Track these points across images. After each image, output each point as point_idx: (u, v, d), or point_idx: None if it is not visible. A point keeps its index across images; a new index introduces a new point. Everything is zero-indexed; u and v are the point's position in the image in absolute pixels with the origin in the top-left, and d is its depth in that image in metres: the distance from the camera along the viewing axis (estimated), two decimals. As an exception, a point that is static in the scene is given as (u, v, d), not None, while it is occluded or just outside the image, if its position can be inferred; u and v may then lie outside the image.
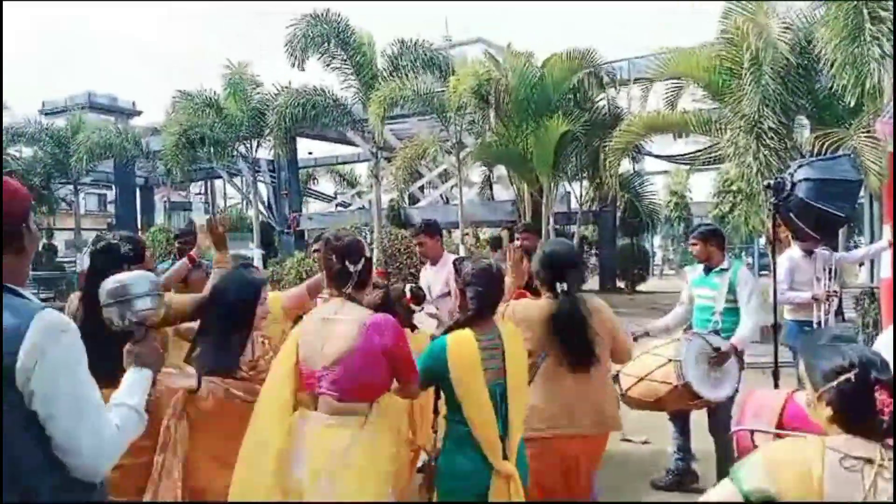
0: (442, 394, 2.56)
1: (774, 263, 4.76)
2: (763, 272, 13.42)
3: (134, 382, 1.77)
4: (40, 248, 22.51)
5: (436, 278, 4.35)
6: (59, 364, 1.41)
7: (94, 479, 1.50)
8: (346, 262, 2.39)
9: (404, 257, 12.67)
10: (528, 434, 2.69)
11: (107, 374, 2.56)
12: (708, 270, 4.32)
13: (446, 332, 2.59)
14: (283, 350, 2.42)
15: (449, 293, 3.64)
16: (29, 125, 19.84)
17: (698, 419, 4.14)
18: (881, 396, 1.56)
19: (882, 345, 2.82)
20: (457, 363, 2.42)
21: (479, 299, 2.55)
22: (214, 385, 2.45)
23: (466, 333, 2.49)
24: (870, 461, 1.52)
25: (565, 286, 2.87)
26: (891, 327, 2.83)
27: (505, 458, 2.42)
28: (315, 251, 4.67)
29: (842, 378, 1.60)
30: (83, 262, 18.66)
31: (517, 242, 4.90)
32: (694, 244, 4.38)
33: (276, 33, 15.48)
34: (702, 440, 4.22)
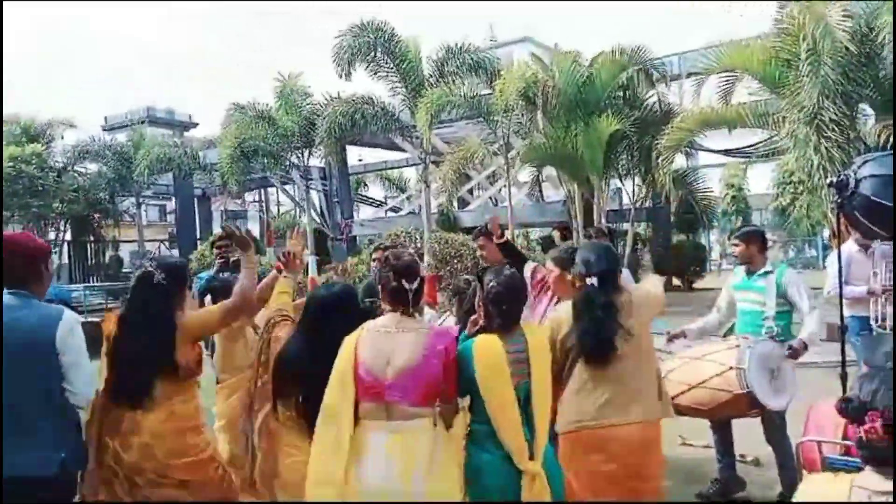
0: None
1: (840, 260, 4.60)
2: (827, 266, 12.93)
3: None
4: (107, 261, 23.51)
5: None
6: (77, 339, 2.53)
7: (82, 405, 2.59)
8: (403, 282, 2.51)
9: (455, 261, 12.69)
10: (568, 427, 2.81)
11: (130, 394, 2.71)
12: (750, 273, 4.20)
13: (472, 336, 2.66)
14: (342, 356, 2.49)
15: None
16: (94, 143, 20.74)
17: (751, 423, 4.03)
18: (869, 423, 1.54)
19: None
20: (483, 368, 2.49)
21: (504, 313, 2.62)
22: None
23: (493, 338, 2.56)
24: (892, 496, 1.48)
25: (595, 280, 2.89)
26: None
27: (531, 458, 2.49)
28: (374, 259, 4.68)
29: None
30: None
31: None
32: (736, 245, 4.27)
33: (323, 43, 15.74)
34: (759, 445, 4.12)
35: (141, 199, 23.12)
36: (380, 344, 2.45)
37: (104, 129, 27.63)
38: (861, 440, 1.58)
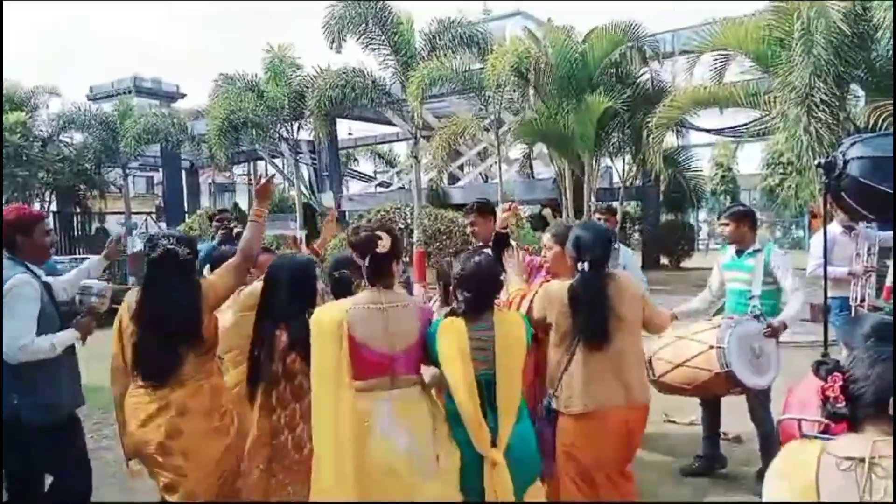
0: None
1: (826, 243, 4.63)
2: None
3: (66, 335, 2.88)
4: (93, 232, 23.31)
5: None
6: (11, 299, 2.78)
7: (12, 361, 2.75)
8: (355, 256, 2.58)
9: (444, 237, 12.67)
10: (574, 409, 2.85)
11: (163, 370, 2.71)
12: (739, 253, 4.22)
13: (445, 316, 2.70)
14: (327, 336, 2.44)
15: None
16: (79, 112, 20.40)
17: (736, 400, 4.09)
18: (831, 382, 1.61)
19: None
20: (444, 350, 2.53)
21: (471, 300, 2.63)
22: None
23: (457, 321, 2.60)
24: (862, 460, 1.52)
25: (586, 266, 2.90)
26: None
27: (494, 445, 2.49)
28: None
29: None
30: (134, 243, 19.26)
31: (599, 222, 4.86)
32: (725, 224, 4.26)
33: (313, 14, 15.50)
34: (742, 422, 4.18)
35: (128, 171, 22.82)
36: (376, 320, 2.47)
37: (90, 99, 27.18)
38: (822, 399, 1.65)
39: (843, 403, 1.60)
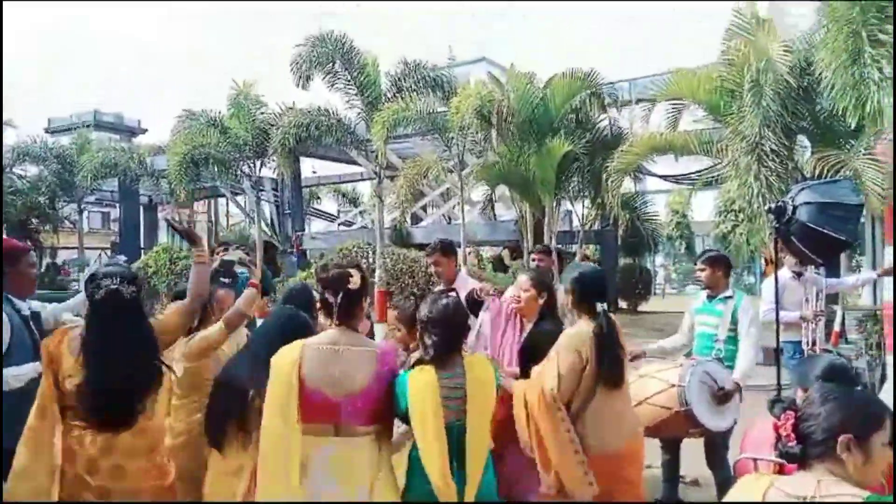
0: None
1: (777, 286, 4.76)
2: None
3: (27, 367, 2.94)
4: (43, 268, 22.58)
5: None
6: None
7: None
8: (327, 294, 2.48)
9: (407, 277, 12.65)
10: (590, 452, 2.84)
11: (119, 415, 2.63)
12: (711, 298, 4.31)
13: (412, 367, 2.60)
14: (281, 375, 2.37)
15: None
16: (34, 145, 19.96)
17: (696, 444, 4.12)
18: (783, 420, 1.65)
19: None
20: (415, 399, 2.43)
21: (439, 343, 2.56)
22: None
23: (428, 370, 2.50)
24: (804, 499, 1.55)
25: (605, 306, 3.01)
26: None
27: (461, 497, 2.43)
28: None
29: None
30: (83, 281, 18.69)
31: (533, 263, 4.91)
32: (702, 269, 4.35)
33: (280, 52, 15.60)
34: (700, 466, 4.20)
35: (83, 205, 22.30)
36: (327, 362, 2.38)
37: (47, 132, 26.65)
38: (776, 437, 1.68)
39: (795, 442, 1.63)
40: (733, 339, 4.13)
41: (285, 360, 2.39)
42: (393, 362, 2.50)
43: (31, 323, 3.10)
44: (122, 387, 2.61)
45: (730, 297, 4.22)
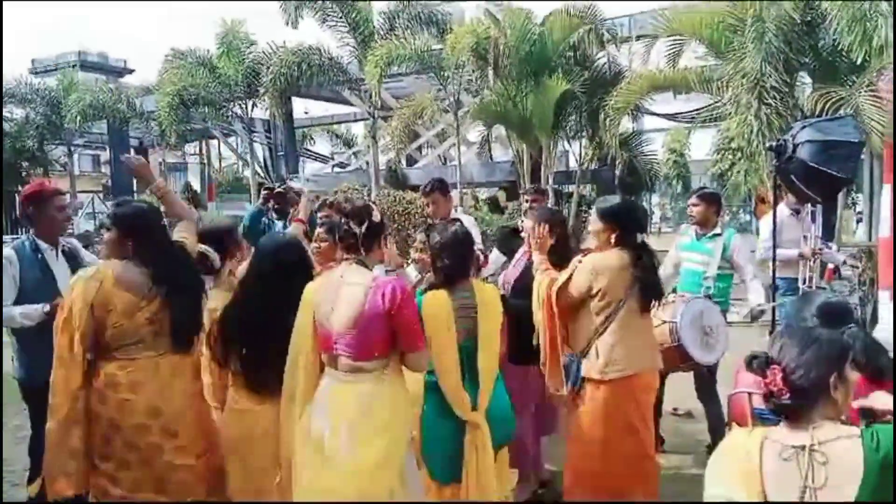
0: None
1: (775, 223, 4.76)
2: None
3: (31, 308, 3.12)
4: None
5: None
6: None
7: None
8: (351, 224, 2.48)
9: (402, 219, 12.61)
10: (612, 376, 2.99)
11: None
12: (700, 235, 4.32)
13: (424, 291, 2.76)
14: (301, 311, 2.51)
15: None
16: (20, 86, 19.51)
17: (687, 378, 4.21)
18: (771, 376, 1.62)
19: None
20: (430, 320, 2.57)
21: (450, 267, 2.73)
22: None
23: (441, 293, 2.67)
24: (803, 448, 1.56)
25: (644, 237, 3.15)
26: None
27: (474, 409, 2.63)
28: (320, 218, 4.58)
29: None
30: (79, 224, 18.60)
31: (525, 205, 4.89)
32: (695, 205, 4.35)
33: (269, -11, 15.10)
34: (693, 399, 4.31)
35: (72, 148, 22.00)
36: (329, 293, 2.45)
37: (32, 73, 26.03)
38: (766, 394, 1.65)
39: (788, 395, 1.61)
40: (723, 277, 4.17)
41: (304, 298, 2.51)
42: (392, 298, 2.39)
43: (50, 265, 3.24)
44: (196, 309, 2.80)
45: (718, 235, 4.24)
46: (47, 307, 3.05)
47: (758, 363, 1.67)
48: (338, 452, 2.32)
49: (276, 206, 5.22)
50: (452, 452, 2.60)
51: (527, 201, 4.87)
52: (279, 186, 5.20)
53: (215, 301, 2.89)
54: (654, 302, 3.15)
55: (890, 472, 1.50)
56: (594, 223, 3.19)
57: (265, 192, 5.13)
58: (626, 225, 3.10)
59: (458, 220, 3.58)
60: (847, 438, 1.56)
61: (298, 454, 2.40)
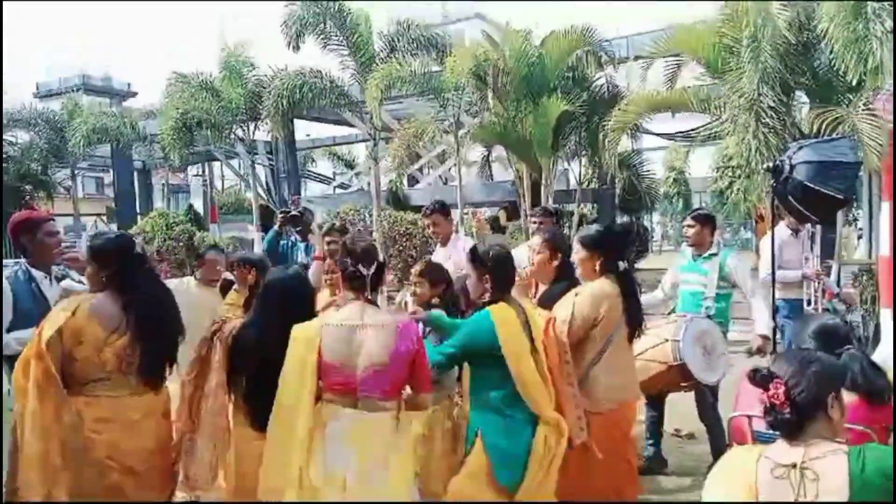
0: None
1: (773, 243, 4.79)
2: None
3: (26, 332, 2.88)
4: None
5: (446, 258, 4.38)
6: None
7: None
8: (360, 266, 2.51)
9: (404, 240, 12.66)
10: (608, 406, 3.03)
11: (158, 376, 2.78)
12: (696, 256, 4.35)
13: (478, 309, 2.84)
14: (297, 351, 2.45)
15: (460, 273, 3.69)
16: (24, 110, 19.69)
17: (689, 399, 4.20)
18: (773, 389, 1.66)
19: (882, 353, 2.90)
20: (506, 334, 2.67)
21: (500, 282, 2.82)
22: None
23: (505, 306, 2.76)
24: (794, 466, 1.61)
25: (626, 264, 3.17)
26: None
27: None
28: (328, 242, 4.60)
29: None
30: (82, 247, 18.66)
31: (534, 226, 4.91)
32: (690, 226, 4.40)
33: (270, 13, 15.29)
34: (695, 420, 4.29)
35: (76, 171, 22.13)
36: (346, 339, 2.44)
37: (36, 97, 26.28)
38: (766, 407, 1.69)
39: (788, 409, 1.65)
40: (722, 297, 4.20)
41: (301, 338, 2.46)
42: (417, 339, 2.54)
43: (42, 292, 3.23)
44: (166, 346, 2.77)
45: (714, 255, 4.27)
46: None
47: (760, 376, 1.71)
48: (366, 487, 2.35)
49: (297, 229, 5.35)
50: (524, 457, 2.67)
51: (534, 223, 4.92)
52: (295, 210, 5.31)
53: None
54: (636, 331, 3.18)
55: (875, 491, 1.52)
56: (578, 252, 3.24)
57: (280, 216, 5.26)
58: (609, 252, 3.14)
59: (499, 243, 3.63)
60: (833, 455, 1.59)
61: (297, 493, 2.35)
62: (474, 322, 2.78)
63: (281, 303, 2.73)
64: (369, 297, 2.54)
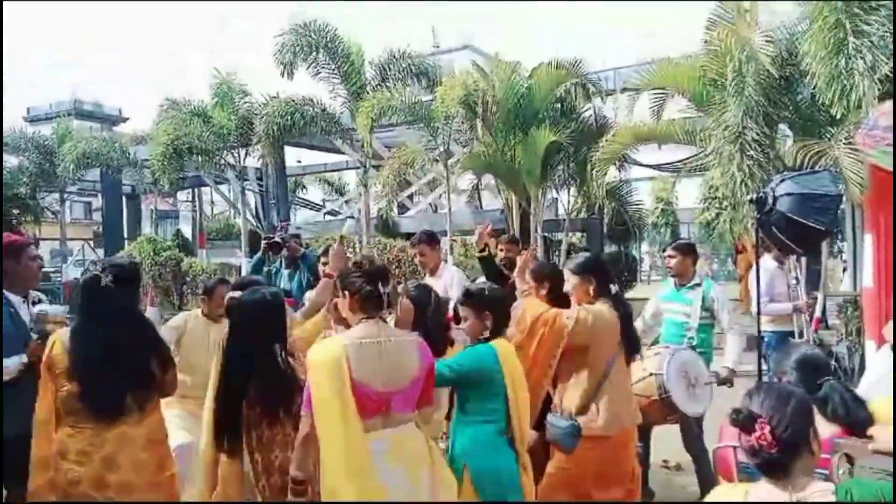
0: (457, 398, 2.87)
1: (758, 275, 4.83)
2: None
3: (12, 359, 2.96)
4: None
5: (435, 288, 4.38)
6: None
7: None
8: (379, 285, 2.49)
9: (394, 267, 12.64)
10: (614, 430, 3.08)
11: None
12: (679, 286, 4.38)
13: (478, 343, 2.89)
14: (327, 373, 2.32)
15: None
16: (14, 134, 19.65)
17: (676, 431, 4.20)
18: (759, 430, 1.60)
19: (867, 382, 2.93)
20: (509, 367, 2.76)
21: (500, 321, 2.91)
22: None
23: (505, 342, 2.88)
24: None
25: (616, 288, 3.25)
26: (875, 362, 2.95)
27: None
28: (325, 263, 4.66)
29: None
30: (68, 272, 18.50)
31: (501, 253, 4.97)
32: (672, 256, 4.45)
33: (263, 42, 15.46)
34: (682, 452, 4.29)
35: (65, 196, 22.03)
36: (374, 356, 2.37)
37: (26, 120, 26.24)
38: (752, 449, 1.64)
39: (776, 449, 1.60)
40: (705, 328, 4.23)
41: (329, 362, 2.32)
42: (427, 350, 2.57)
43: (20, 317, 3.15)
44: (110, 377, 2.64)
45: (698, 285, 4.31)
46: (24, 358, 3.02)
47: (743, 418, 1.66)
48: (429, 495, 2.40)
49: (285, 255, 5.36)
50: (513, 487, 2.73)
51: (501, 251, 5.00)
52: (278, 237, 5.33)
53: None
54: (634, 355, 3.24)
55: None
56: (570, 280, 3.27)
57: (264, 242, 5.28)
58: (600, 275, 3.21)
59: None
60: (821, 494, 1.57)
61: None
62: (476, 350, 2.85)
63: (244, 323, 2.73)
64: (384, 316, 2.53)
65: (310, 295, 4.41)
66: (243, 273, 14.04)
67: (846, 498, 1.54)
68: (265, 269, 5.28)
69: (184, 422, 3.57)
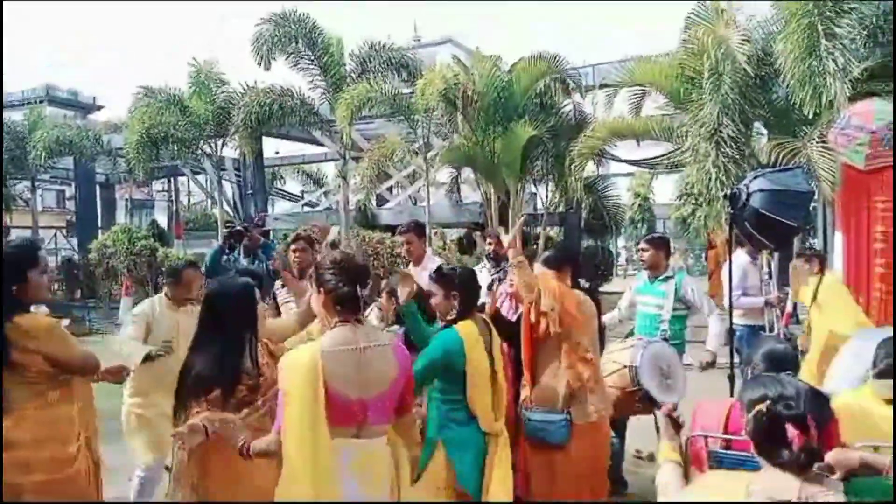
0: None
1: (731, 269, 4.93)
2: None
3: None
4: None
5: (419, 278, 4.40)
6: None
7: None
8: (357, 287, 2.30)
9: (372, 259, 12.62)
10: (596, 417, 3.21)
11: None
12: (652, 279, 4.46)
13: (445, 326, 2.99)
14: (300, 381, 2.18)
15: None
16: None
17: (647, 420, 4.27)
18: (791, 430, 1.55)
19: (837, 371, 3.01)
20: (471, 351, 2.85)
21: (467, 300, 3.00)
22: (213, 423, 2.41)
23: (470, 322, 2.94)
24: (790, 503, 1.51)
25: (586, 283, 3.50)
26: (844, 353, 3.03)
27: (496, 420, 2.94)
28: (295, 251, 4.71)
29: (755, 410, 1.62)
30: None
31: (488, 248, 5.01)
32: (645, 250, 4.53)
33: (241, 31, 15.29)
34: (652, 441, 4.36)
35: (37, 183, 21.59)
36: (351, 363, 2.22)
37: (-3, 106, 25.66)
38: (798, 449, 1.56)
39: (817, 443, 1.53)
40: (678, 319, 4.31)
41: (299, 367, 2.18)
42: (405, 353, 2.40)
43: None
44: None
45: (671, 277, 4.39)
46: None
47: (799, 417, 1.56)
48: None
49: (245, 245, 5.33)
50: (481, 465, 2.87)
51: (489, 244, 5.03)
52: (238, 225, 5.34)
53: None
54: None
55: None
56: (544, 275, 3.33)
57: (225, 231, 5.28)
58: (574, 268, 3.36)
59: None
60: (833, 495, 1.53)
61: None
62: (442, 340, 2.90)
63: (213, 314, 2.63)
64: (360, 318, 2.32)
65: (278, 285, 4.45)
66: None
67: (855, 498, 1.57)
68: (224, 257, 5.28)
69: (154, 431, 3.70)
